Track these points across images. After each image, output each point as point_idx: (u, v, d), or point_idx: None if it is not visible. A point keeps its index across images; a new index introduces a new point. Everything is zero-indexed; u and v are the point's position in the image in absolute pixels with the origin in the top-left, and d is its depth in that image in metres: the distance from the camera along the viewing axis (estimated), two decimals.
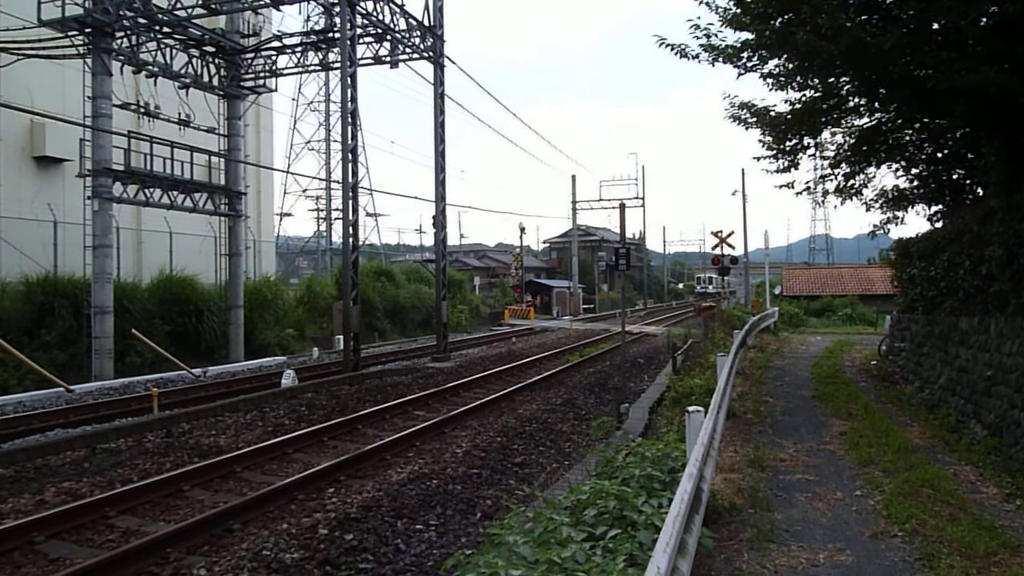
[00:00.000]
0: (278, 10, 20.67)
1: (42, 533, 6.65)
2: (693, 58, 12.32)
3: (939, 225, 13.75)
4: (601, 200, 56.13)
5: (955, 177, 13.23)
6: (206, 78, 21.69)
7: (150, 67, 19.87)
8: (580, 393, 15.25)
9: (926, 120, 12.28)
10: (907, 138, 13.28)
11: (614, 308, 51.83)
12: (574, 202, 54.83)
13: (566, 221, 57.63)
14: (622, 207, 15.93)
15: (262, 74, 23.18)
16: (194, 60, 21.22)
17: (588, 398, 14.92)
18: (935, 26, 10.10)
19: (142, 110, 20.02)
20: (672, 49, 12.39)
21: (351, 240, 17.61)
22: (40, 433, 11.22)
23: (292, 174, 51.89)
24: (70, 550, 6.49)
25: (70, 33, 18.03)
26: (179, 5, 18.92)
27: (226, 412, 12.66)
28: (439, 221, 21.92)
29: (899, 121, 12.70)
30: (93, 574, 5.72)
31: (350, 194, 17.65)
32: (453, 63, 22.29)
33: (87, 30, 17.76)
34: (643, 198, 56.63)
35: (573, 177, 54.91)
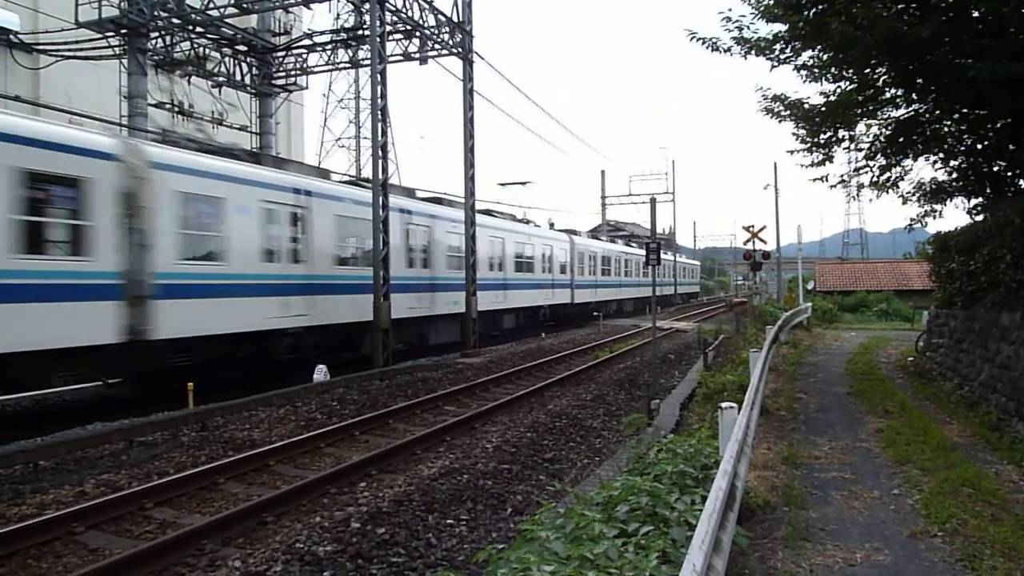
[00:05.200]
0: (308, 8, 20.80)
1: (82, 524, 6.79)
2: (725, 51, 12.21)
3: (979, 218, 13.44)
4: (631, 195, 55.83)
5: (996, 169, 12.92)
6: (238, 77, 21.95)
7: (184, 66, 20.15)
8: (610, 389, 15.18)
9: (965, 110, 12.02)
10: (945, 129, 13.00)
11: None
12: (603, 197, 54.60)
13: (595, 216, 57.42)
14: (652, 201, 15.77)
15: (293, 72, 23.39)
16: (226, 59, 21.48)
17: (618, 394, 14.85)
18: (975, 14, 9.87)
19: (176, 109, 20.33)
20: (703, 43, 12.28)
21: (381, 236, 17.69)
22: (80, 426, 11.46)
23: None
24: (109, 541, 6.62)
25: (106, 34, 18.36)
26: (212, 5, 19.16)
27: (259, 406, 12.81)
28: (468, 217, 21.92)
29: (937, 112, 12.44)
30: (131, 565, 5.82)
31: (380, 190, 17.72)
32: (482, 59, 22.29)
33: (123, 31, 18.06)
34: (673, 193, 56.22)
35: (602, 172, 54.58)
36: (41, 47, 20.05)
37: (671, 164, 76.91)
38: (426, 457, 9.60)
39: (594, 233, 47.44)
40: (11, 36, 19.97)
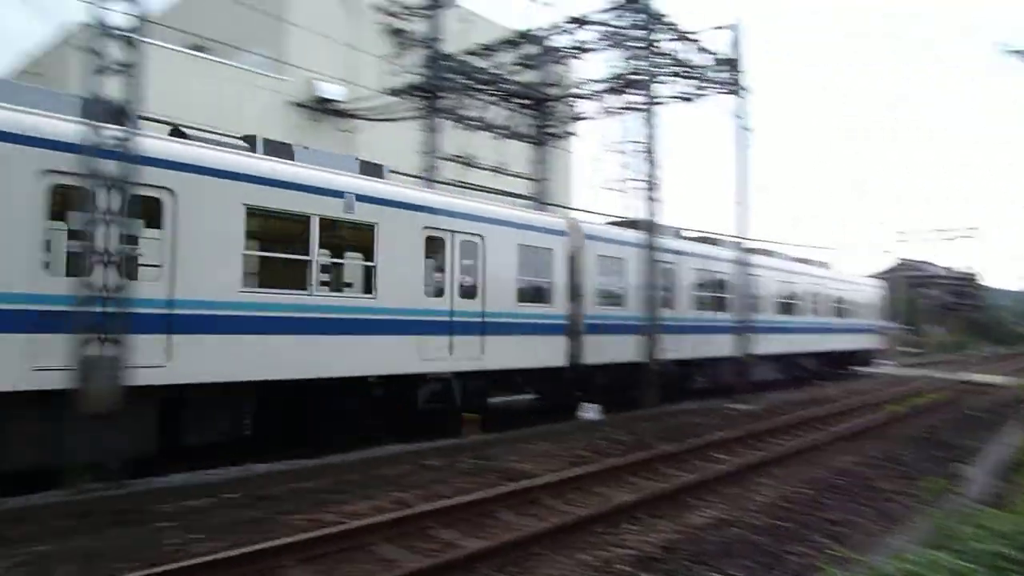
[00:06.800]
0: (580, 59, 21.88)
1: (377, 536, 7.54)
2: None
3: None
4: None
5: None
6: (517, 127, 23.56)
7: (470, 121, 22.10)
8: (903, 448, 13.60)
9: None
10: None
11: (943, 352, 45.75)
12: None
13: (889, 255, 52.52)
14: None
15: (566, 119, 24.51)
16: (506, 112, 23.15)
17: (913, 454, 13.26)
18: None
19: (464, 161, 22.33)
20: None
21: (655, 274, 17.73)
22: (378, 446, 12.80)
23: (595, 214, 53.81)
24: (399, 554, 7.25)
25: (407, 97, 20.85)
26: (496, 64, 20.88)
27: (528, 440, 13.35)
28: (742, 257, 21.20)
29: None
30: None
31: (653, 231, 17.83)
32: (756, 95, 21.63)
33: (423, 94, 20.35)
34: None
35: None
36: (354, 112, 23.47)
37: None
38: (695, 505, 9.30)
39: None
40: (334, 105, 23.74)
